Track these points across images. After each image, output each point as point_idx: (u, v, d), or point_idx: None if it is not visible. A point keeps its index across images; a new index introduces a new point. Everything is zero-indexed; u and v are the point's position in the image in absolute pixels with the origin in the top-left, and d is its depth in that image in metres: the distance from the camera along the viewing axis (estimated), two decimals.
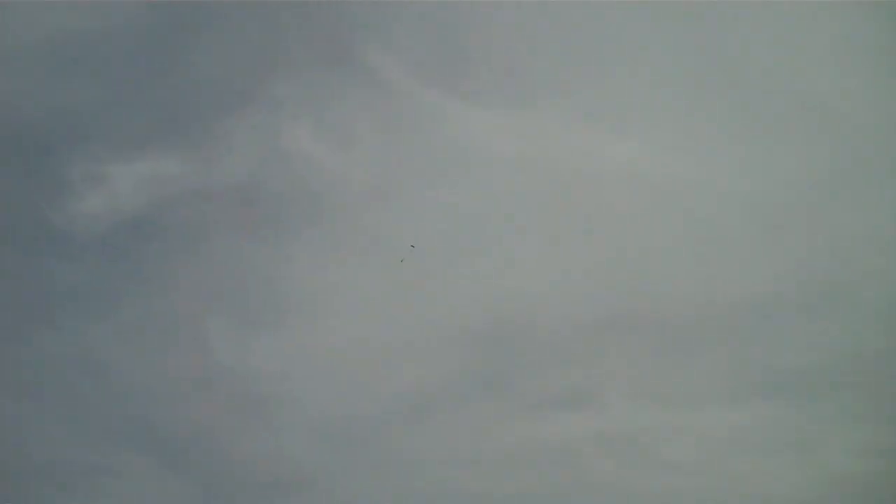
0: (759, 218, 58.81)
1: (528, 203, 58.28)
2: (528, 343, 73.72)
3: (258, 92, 53.17)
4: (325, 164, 56.06)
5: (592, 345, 74.98)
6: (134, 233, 51.69)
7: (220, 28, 53.74)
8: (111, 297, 51.98)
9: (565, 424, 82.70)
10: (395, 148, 56.78)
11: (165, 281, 54.13)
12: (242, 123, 52.81)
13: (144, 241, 51.87)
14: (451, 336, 72.24)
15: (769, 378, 79.94)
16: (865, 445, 73.76)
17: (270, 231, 54.90)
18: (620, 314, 73.32)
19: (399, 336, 72.17)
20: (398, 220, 59.29)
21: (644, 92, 57.25)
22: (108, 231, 50.90)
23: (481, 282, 67.20)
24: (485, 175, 57.36)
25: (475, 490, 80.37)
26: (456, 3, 56.82)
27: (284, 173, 54.40)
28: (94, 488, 54.87)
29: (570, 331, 71.82)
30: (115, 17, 53.72)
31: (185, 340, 63.55)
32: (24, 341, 50.17)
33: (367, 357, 72.66)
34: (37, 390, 49.45)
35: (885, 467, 75.34)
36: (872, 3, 54.06)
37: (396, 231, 59.94)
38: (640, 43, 56.11)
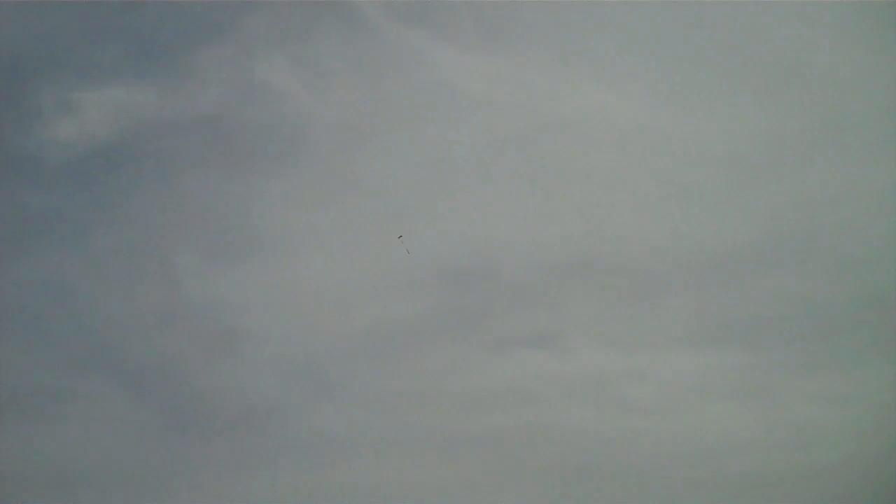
0: (729, 171, 59.18)
1: (501, 146, 58.37)
2: (495, 284, 74.02)
3: (233, 24, 52.76)
4: (299, 101, 55.85)
5: (559, 288, 75.44)
6: (105, 162, 51.42)
7: None
8: (81, 225, 51.78)
9: (530, 366, 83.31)
10: (371, 87, 56.58)
11: (135, 211, 54.05)
12: (216, 56, 52.36)
13: (115, 170, 51.64)
14: (421, 276, 72.46)
15: (733, 325, 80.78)
16: (824, 392, 74.98)
17: (242, 166, 54.79)
18: (588, 259, 73.79)
19: (368, 275, 72.34)
20: (371, 161, 59.28)
21: (623, 43, 57.22)
22: (78, 159, 50.61)
23: (451, 223, 67.39)
24: (460, 117, 57.30)
25: (440, 427, 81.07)
26: None
27: (257, 108, 54.16)
28: (61, 413, 55.12)
29: (538, 274, 72.24)
30: None
31: (153, 271, 63.48)
32: None
33: (336, 294, 72.81)
34: (4, 315, 49.47)
35: (843, 414, 76.69)
36: None
37: (369, 171, 60.01)
38: None
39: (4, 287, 49.03)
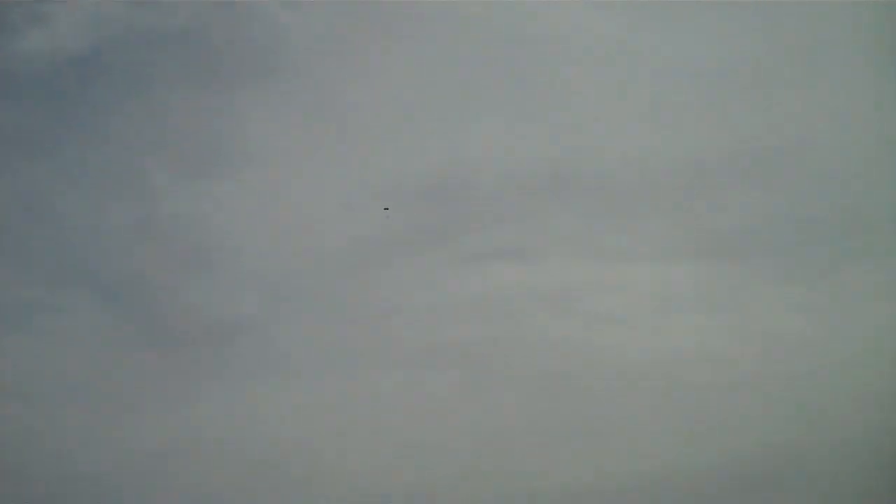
0: (705, 86, 59.44)
1: (477, 63, 58.30)
2: (469, 199, 74.35)
3: None
4: (276, 17, 55.41)
5: (532, 202, 75.87)
6: (78, 75, 50.79)
7: None
8: (53, 139, 51.31)
9: (502, 278, 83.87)
10: (347, 5, 56.21)
11: (110, 125, 53.57)
12: None
13: (88, 83, 51.07)
14: (396, 191, 72.45)
15: (704, 238, 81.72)
16: (794, 303, 76.35)
17: (218, 81, 54.31)
18: (562, 173, 74.19)
19: (346, 190, 72.33)
20: (347, 78, 59.05)
21: None
22: (50, 71, 49.93)
23: (427, 139, 67.40)
24: (436, 35, 57.05)
25: (413, 339, 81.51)
26: None
27: (234, 23, 53.60)
28: (37, 326, 55.05)
29: (512, 188, 72.51)
30: None
31: (128, 186, 63.09)
32: None
33: (311, 211, 72.87)
34: None
35: (813, 324, 78.22)
36: None
37: (345, 88, 59.77)
38: None
39: None
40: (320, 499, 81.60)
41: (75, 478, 74.49)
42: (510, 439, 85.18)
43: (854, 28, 57.24)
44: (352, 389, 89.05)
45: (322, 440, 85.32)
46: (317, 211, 73.01)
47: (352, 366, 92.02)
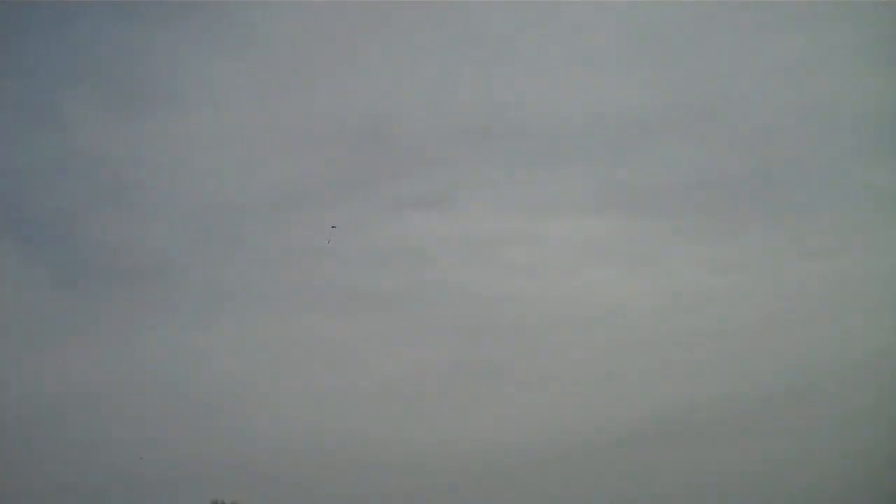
0: (632, 38, 59.45)
1: (408, 14, 57.90)
2: (393, 146, 74.12)
3: None
4: None
5: (456, 151, 76.00)
6: None
7: None
8: None
9: (424, 227, 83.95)
10: None
11: (26, 57, 52.35)
12: None
13: (2, 14, 49.86)
14: (319, 135, 72.04)
15: (624, 193, 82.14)
16: (709, 259, 77.18)
17: (143, 14, 53.09)
18: (486, 123, 74.17)
19: (267, 132, 71.78)
20: (270, 15, 58.18)
21: None
22: None
23: (351, 84, 66.83)
24: None
25: (335, 284, 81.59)
26: None
27: None
28: None
29: (436, 136, 72.55)
30: None
31: (44, 120, 61.93)
32: None
33: (234, 150, 72.24)
34: None
35: (727, 280, 79.36)
36: None
37: (268, 25, 58.88)
38: None
39: None
40: (240, 438, 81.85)
41: None
42: (429, 384, 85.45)
43: None
44: (274, 332, 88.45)
45: (244, 381, 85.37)
46: (243, 152, 72.26)
47: (275, 308, 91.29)
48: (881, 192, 66.60)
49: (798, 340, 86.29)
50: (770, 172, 78.60)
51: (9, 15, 51.60)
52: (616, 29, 59.10)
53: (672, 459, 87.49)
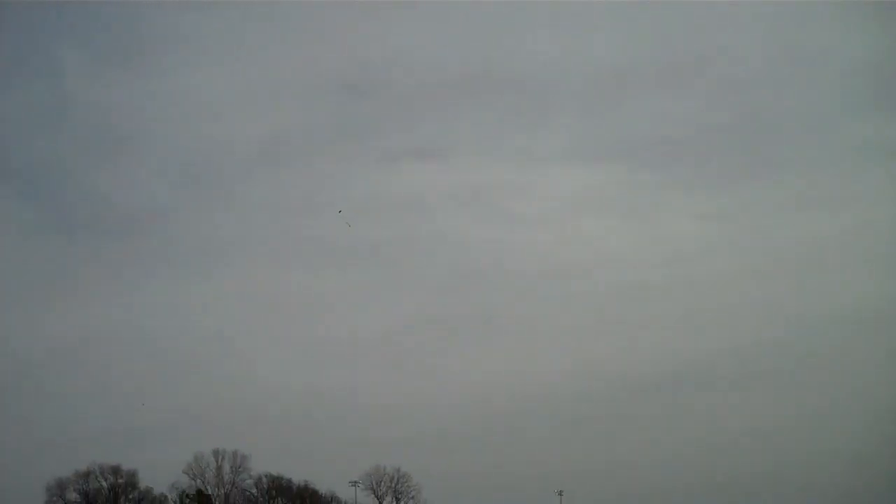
0: None
1: None
2: (386, 97, 74.15)
3: None
4: None
5: (450, 102, 76.05)
6: None
7: None
8: None
9: (417, 176, 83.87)
10: None
11: (20, 8, 52.16)
12: None
13: None
14: (312, 85, 71.94)
15: (617, 144, 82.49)
16: (701, 210, 77.28)
17: None
18: (480, 73, 74.43)
19: (261, 82, 71.74)
20: None
21: None
22: None
23: (344, 32, 66.99)
24: None
25: (330, 235, 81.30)
26: None
27: None
28: None
29: (429, 87, 72.66)
30: None
31: (40, 69, 61.93)
32: None
33: (228, 101, 72.22)
34: None
35: (717, 230, 79.39)
36: None
37: None
38: None
39: None
40: (235, 387, 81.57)
41: None
42: (424, 333, 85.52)
43: None
44: (264, 283, 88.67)
45: (239, 332, 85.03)
46: (233, 103, 72.05)
47: (265, 260, 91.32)
48: (874, 144, 67.13)
49: (792, 290, 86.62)
50: (763, 123, 78.93)
51: None
52: None
53: (663, 407, 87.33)
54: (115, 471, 51.57)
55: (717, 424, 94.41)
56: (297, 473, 65.42)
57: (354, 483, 55.98)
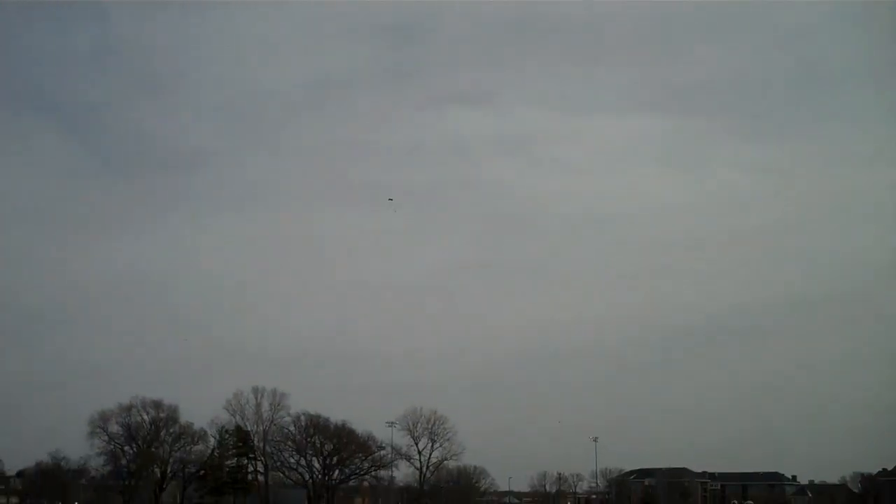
0: None
1: None
2: (434, 41, 73.24)
3: None
4: None
5: (498, 47, 74.97)
6: None
7: None
8: None
9: (465, 123, 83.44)
10: None
11: None
12: None
13: None
14: (360, 28, 71.07)
15: (667, 92, 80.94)
16: (750, 161, 76.00)
17: None
18: (529, 18, 73.13)
19: (306, 23, 71.15)
20: None
21: None
22: None
23: None
24: None
25: (374, 179, 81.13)
26: None
27: None
28: None
29: (478, 31, 71.55)
30: None
31: (81, 11, 61.90)
32: None
33: (273, 42, 71.77)
34: None
35: (766, 181, 78.28)
36: None
37: None
38: None
39: None
40: (275, 329, 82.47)
41: (28, 306, 75.12)
42: (461, 280, 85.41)
43: None
44: (310, 224, 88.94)
45: (276, 272, 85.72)
46: (280, 44, 71.43)
47: (312, 202, 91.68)
48: None
49: (838, 243, 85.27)
50: (818, 75, 76.90)
51: None
52: None
53: (709, 358, 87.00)
54: (157, 405, 52.33)
55: (756, 374, 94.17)
56: (334, 413, 66.27)
57: (391, 424, 56.54)
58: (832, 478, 73.50)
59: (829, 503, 64.30)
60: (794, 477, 79.01)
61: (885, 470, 70.12)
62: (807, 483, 77.30)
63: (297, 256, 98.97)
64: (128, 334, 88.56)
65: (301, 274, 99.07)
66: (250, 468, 55.71)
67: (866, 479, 68.50)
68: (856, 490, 68.03)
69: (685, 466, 70.35)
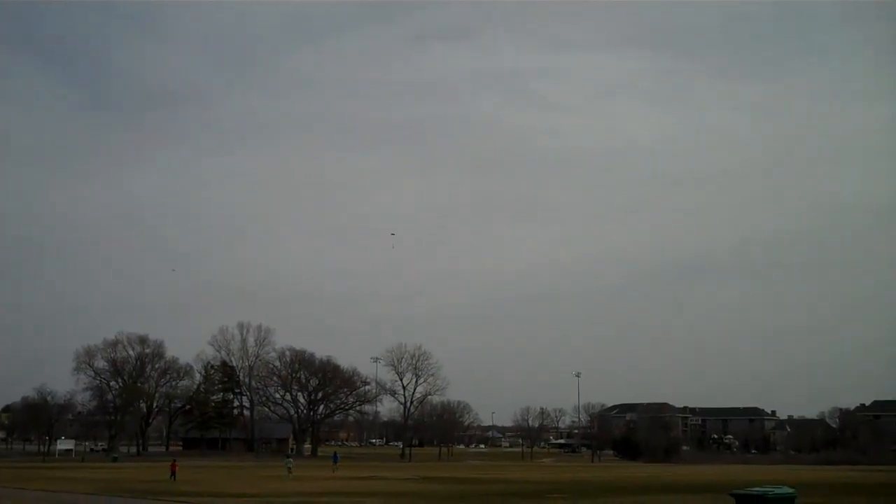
0: None
1: None
2: None
3: None
4: None
5: None
6: None
7: None
8: None
9: (450, 58, 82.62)
10: None
11: None
12: None
13: None
14: None
15: (652, 29, 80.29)
16: (737, 100, 75.77)
17: None
18: None
19: None
20: None
21: None
22: None
23: None
24: None
25: (360, 115, 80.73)
26: None
27: None
28: None
29: None
30: None
31: None
32: None
33: None
34: None
35: (754, 120, 77.90)
36: None
37: None
38: None
39: None
40: (261, 267, 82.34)
41: (14, 239, 74.95)
42: (451, 216, 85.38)
43: None
44: (298, 161, 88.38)
45: (266, 210, 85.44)
46: None
47: (299, 138, 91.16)
48: None
49: (826, 181, 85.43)
50: (801, 12, 76.12)
51: None
52: None
53: (692, 296, 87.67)
54: (143, 340, 52.34)
55: (737, 311, 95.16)
56: (319, 349, 66.65)
57: (376, 359, 56.83)
58: (811, 413, 74.87)
59: (807, 437, 65.41)
60: (773, 412, 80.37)
61: (862, 405, 71.33)
62: (786, 418, 78.64)
63: (288, 193, 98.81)
64: (114, 270, 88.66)
65: (288, 212, 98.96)
66: (236, 403, 56.15)
67: (844, 415, 69.65)
68: (833, 425, 69.19)
69: (666, 402, 71.37)
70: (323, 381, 54.43)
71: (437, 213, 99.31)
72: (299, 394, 54.85)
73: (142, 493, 14.37)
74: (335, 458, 31.97)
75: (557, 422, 71.36)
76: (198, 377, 54.23)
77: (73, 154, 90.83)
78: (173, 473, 20.46)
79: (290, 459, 27.94)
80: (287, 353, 54.25)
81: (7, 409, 60.21)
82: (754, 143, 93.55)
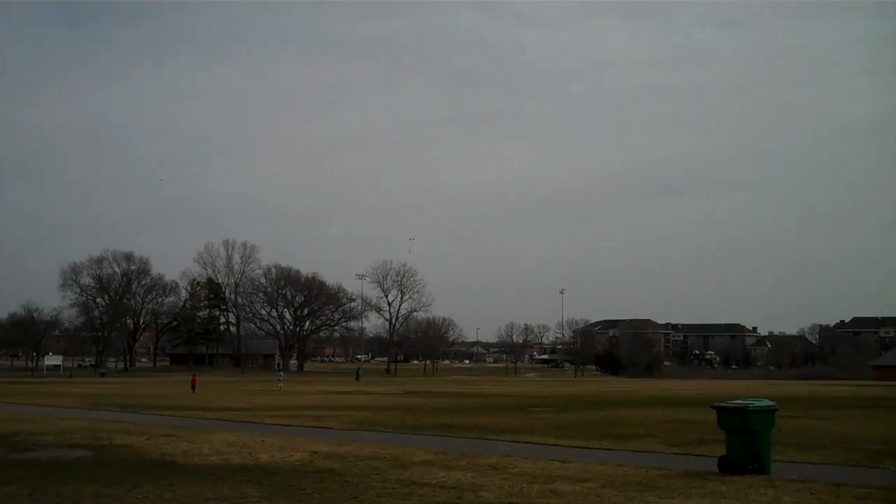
0: None
1: None
2: None
3: None
4: None
5: None
6: None
7: None
8: None
9: None
10: None
11: None
12: None
13: None
14: None
15: None
16: (718, 15, 74.16)
17: None
18: None
19: None
20: None
21: None
22: None
23: None
24: None
25: (335, 27, 78.88)
26: None
27: None
28: None
29: None
30: None
31: None
32: None
33: None
34: None
35: (725, 35, 77.12)
36: None
37: None
38: None
39: None
40: (238, 179, 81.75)
41: None
42: (429, 130, 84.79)
43: None
44: (272, 75, 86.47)
45: (242, 124, 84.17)
46: None
47: (274, 53, 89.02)
48: None
49: (805, 98, 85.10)
50: None
51: None
52: None
53: (673, 213, 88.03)
54: (128, 257, 52.36)
55: (719, 228, 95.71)
56: (305, 266, 66.80)
57: (361, 276, 57.08)
58: (791, 330, 76.00)
59: (787, 353, 66.50)
60: (754, 328, 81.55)
61: (842, 322, 72.43)
62: (766, 334, 79.88)
63: (267, 107, 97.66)
64: (96, 184, 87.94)
65: (271, 125, 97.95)
66: (222, 319, 56.49)
67: (824, 331, 70.77)
68: (813, 341, 70.32)
69: (649, 318, 72.22)
70: (309, 297, 54.69)
71: (415, 126, 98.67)
72: (285, 310, 55.21)
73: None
74: (357, 374, 35.96)
75: (541, 338, 72.31)
76: (184, 294, 54.49)
77: (44, 68, 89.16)
78: (193, 387, 21.03)
79: (282, 374, 29.11)
80: (273, 269, 54.45)
81: None
82: (739, 57, 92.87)
